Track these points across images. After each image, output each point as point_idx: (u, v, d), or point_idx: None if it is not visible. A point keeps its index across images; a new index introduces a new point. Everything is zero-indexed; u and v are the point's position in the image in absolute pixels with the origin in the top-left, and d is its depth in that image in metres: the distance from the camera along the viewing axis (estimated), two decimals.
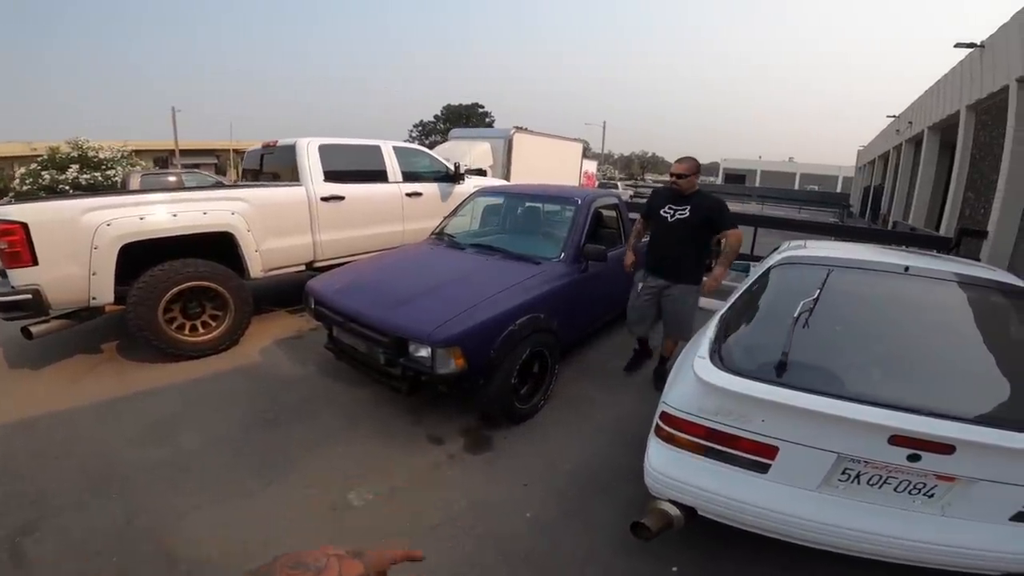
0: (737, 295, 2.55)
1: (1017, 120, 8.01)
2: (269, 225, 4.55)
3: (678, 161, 3.38)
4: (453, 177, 6.32)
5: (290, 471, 2.66)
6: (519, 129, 11.08)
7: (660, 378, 3.62)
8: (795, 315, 1.91)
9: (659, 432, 1.98)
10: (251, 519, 2.31)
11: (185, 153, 31.04)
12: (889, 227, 16.04)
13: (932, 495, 1.67)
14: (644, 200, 3.97)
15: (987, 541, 1.62)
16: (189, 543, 2.15)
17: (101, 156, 16.16)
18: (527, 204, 4.75)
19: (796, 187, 49.89)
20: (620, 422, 3.22)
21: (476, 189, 5.32)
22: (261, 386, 3.62)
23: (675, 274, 3.41)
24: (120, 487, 2.50)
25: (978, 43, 9.94)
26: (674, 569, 2.10)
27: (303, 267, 4.99)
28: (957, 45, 10.56)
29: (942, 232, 10.77)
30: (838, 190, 44.95)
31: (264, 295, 5.52)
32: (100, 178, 15.48)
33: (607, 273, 3.95)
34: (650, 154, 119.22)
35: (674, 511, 1.88)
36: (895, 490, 1.70)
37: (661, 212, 3.44)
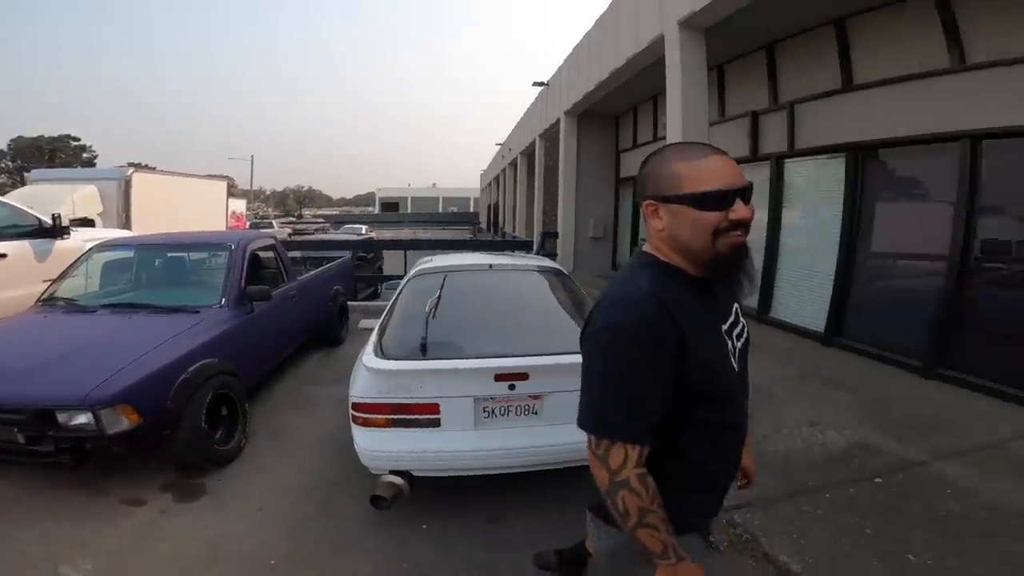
0: (389, 305, 3.23)
1: (566, 146, 11.57)
2: None
3: (709, 152, 0.99)
4: (52, 231, 5.13)
5: None
6: (138, 167, 9.53)
7: None
8: (426, 310, 2.66)
9: (356, 420, 2.45)
10: None
11: None
12: (502, 238, 20.56)
13: (537, 412, 2.54)
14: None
15: (575, 437, 2.57)
16: None
17: None
18: (169, 255, 4.48)
19: (440, 210, 57.60)
20: (332, 436, 3.41)
21: (94, 244, 4.53)
22: None
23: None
24: None
25: (546, 82, 13.15)
26: (424, 526, 2.54)
27: None
28: (534, 84, 13.42)
29: (534, 236, 14.57)
30: (472, 210, 54.11)
31: None
32: None
33: (278, 309, 4.18)
34: (307, 187, 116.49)
35: (397, 479, 2.33)
36: (516, 414, 2.53)
37: (733, 363, 1.07)
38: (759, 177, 6.10)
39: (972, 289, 4.11)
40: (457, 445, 2.43)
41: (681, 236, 0.99)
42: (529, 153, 17.58)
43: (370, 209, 69.85)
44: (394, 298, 3.27)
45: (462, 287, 3.11)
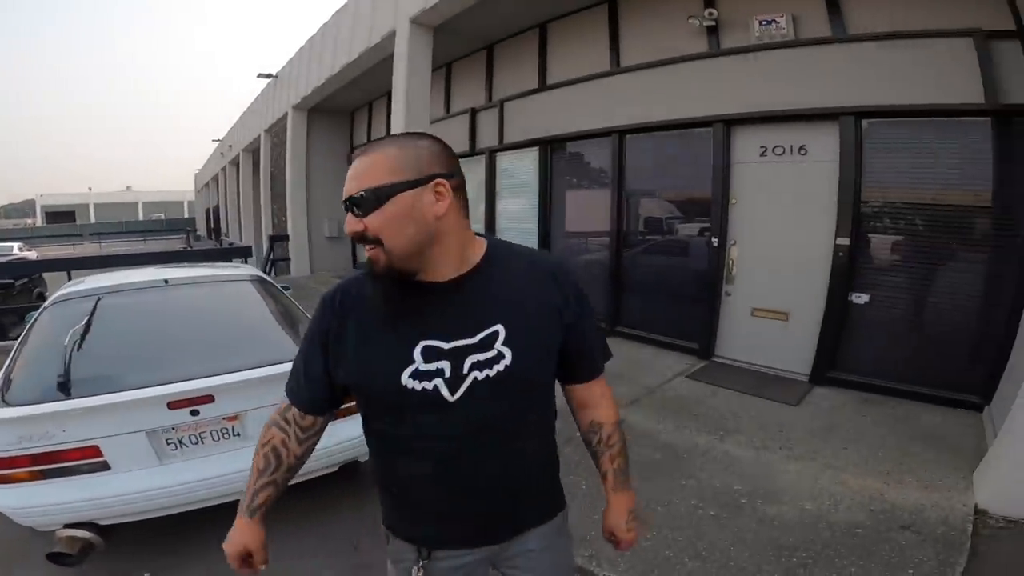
0: (17, 342, 2.52)
1: (293, 140, 10.65)
2: None
3: (368, 148, 0.89)
4: None
5: None
6: None
7: None
8: (66, 342, 2.11)
9: None
10: None
11: None
12: (223, 245, 17.92)
13: (239, 434, 2.22)
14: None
15: None
16: None
17: None
18: None
19: (140, 217, 47.30)
20: None
21: None
22: None
23: (521, 512, 1.13)
24: None
25: (274, 74, 11.90)
26: (146, 574, 2.21)
27: None
28: (259, 75, 12.21)
29: (263, 241, 13.07)
30: (186, 215, 45.74)
31: None
32: None
33: None
34: None
35: (80, 532, 1.96)
36: (214, 440, 2.19)
37: (404, 380, 0.91)
38: (477, 168, 6.68)
39: (634, 258, 5.23)
40: (140, 485, 2.06)
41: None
42: (254, 150, 15.95)
43: (29, 221, 53.31)
44: (24, 333, 2.59)
45: (125, 310, 2.58)
